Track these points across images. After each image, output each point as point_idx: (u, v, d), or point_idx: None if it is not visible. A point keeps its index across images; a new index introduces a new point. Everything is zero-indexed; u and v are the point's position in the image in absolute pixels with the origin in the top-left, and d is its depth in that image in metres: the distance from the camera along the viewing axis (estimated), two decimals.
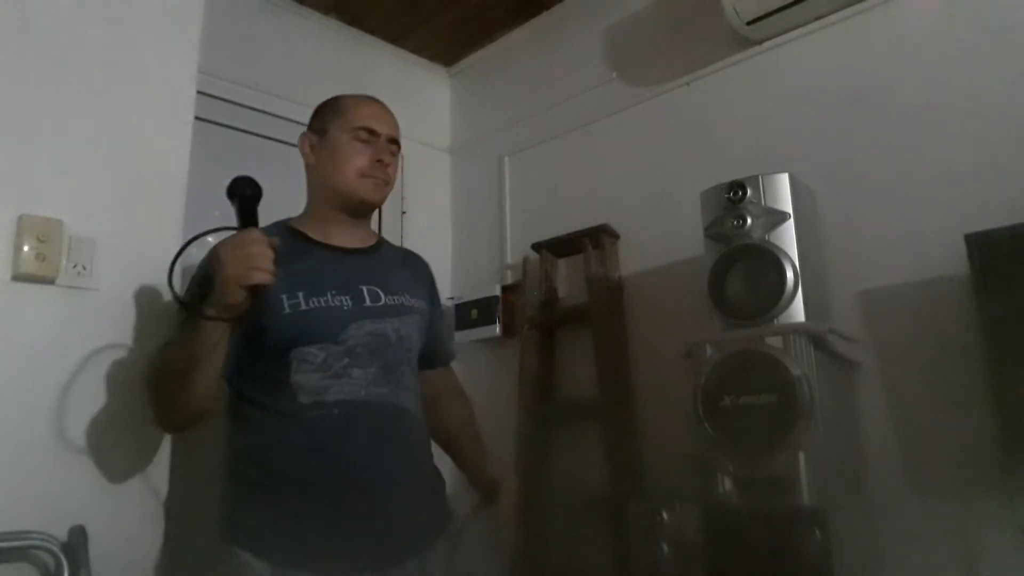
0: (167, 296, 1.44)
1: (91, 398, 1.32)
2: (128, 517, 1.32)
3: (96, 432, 1.31)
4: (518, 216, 2.63)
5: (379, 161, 1.33)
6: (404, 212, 2.72)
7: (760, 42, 1.99)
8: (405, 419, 1.28)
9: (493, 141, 2.75)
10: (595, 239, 2.23)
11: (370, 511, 1.19)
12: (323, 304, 1.24)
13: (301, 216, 1.40)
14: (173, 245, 1.47)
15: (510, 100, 2.72)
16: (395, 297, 1.33)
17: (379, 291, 1.31)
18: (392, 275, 1.38)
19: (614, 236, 2.25)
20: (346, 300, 1.26)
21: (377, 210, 1.45)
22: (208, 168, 1.73)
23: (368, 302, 1.29)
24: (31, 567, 1.20)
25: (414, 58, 2.87)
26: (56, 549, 1.18)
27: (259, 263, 1.05)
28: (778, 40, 1.95)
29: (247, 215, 1.11)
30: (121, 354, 1.36)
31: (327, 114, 1.37)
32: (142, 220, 1.44)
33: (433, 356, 1.48)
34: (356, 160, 1.32)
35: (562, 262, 2.41)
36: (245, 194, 1.11)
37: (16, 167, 1.31)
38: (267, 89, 2.33)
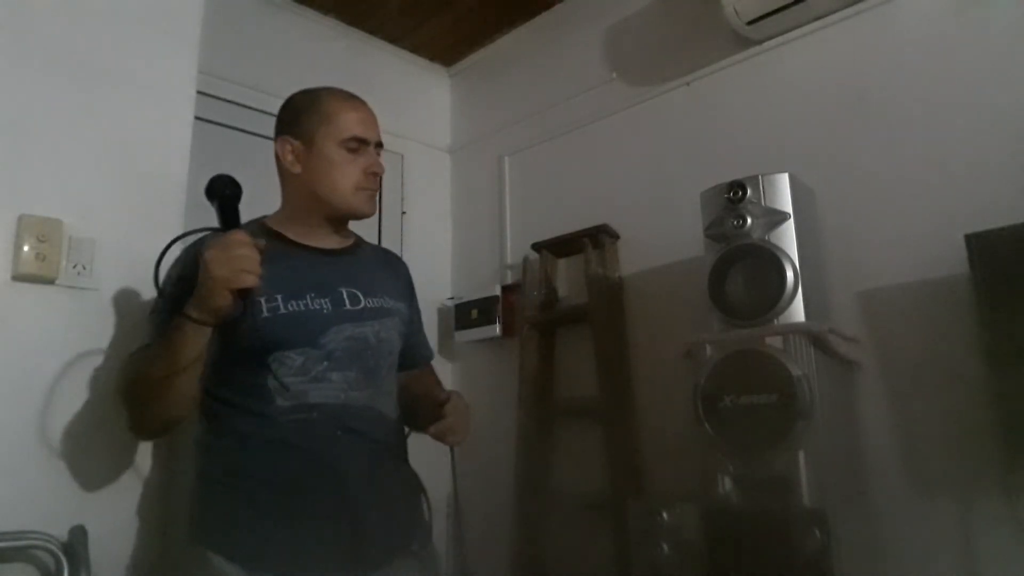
0: None
1: (92, 398, 1.32)
2: (128, 517, 1.33)
3: (97, 432, 1.31)
4: (518, 216, 2.63)
5: (372, 173, 1.30)
6: (404, 212, 2.73)
7: (760, 42, 1.99)
8: (383, 424, 1.27)
9: (493, 141, 2.75)
10: (595, 239, 2.23)
11: (345, 516, 1.17)
12: (302, 308, 1.21)
13: (278, 216, 1.33)
14: None
15: (510, 100, 2.72)
16: (375, 299, 1.30)
17: (359, 294, 1.29)
18: (371, 277, 1.35)
19: (614, 236, 2.25)
20: (325, 303, 1.23)
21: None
22: (208, 168, 1.72)
23: (348, 305, 1.26)
24: (31, 567, 1.20)
25: (414, 58, 2.87)
26: (56, 549, 1.18)
27: (247, 265, 1.03)
28: (778, 40, 1.95)
29: (229, 215, 1.08)
30: (121, 354, 1.35)
31: (310, 119, 1.29)
32: (142, 220, 1.44)
33: (413, 356, 1.46)
34: (350, 174, 1.27)
35: (562, 262, 2.42)
36: (225, 194, 1.08)
37: (16, 167, 1.31)
38: (267, 89, 2.31)
